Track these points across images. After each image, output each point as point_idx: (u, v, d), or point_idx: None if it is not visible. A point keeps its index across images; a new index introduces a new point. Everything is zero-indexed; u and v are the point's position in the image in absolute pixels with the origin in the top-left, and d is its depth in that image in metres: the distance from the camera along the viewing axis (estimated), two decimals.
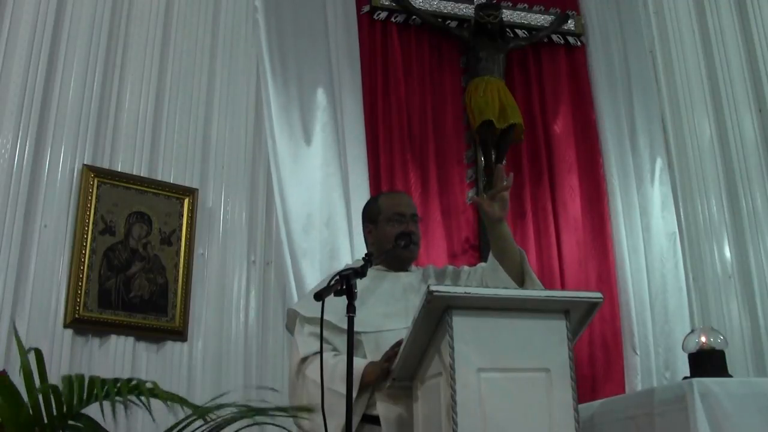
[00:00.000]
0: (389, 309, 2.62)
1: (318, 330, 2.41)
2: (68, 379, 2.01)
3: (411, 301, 2.58)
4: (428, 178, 4.37)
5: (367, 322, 2.53)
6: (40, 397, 2.00)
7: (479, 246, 4.32)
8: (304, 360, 2.57)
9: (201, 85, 4.06)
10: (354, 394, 2.27)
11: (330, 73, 4.28)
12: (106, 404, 1.88)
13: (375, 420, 2.45)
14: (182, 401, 1.93)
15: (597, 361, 4.29)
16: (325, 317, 2.36)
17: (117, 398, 1.90)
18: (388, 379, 2.38)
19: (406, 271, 2.82)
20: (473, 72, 4.53)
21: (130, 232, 3.62)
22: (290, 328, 2.81)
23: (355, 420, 2.39)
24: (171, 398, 1.94)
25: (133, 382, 2.00)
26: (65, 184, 3.51)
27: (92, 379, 2.01)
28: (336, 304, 2.36)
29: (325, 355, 2.41)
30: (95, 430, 2.07)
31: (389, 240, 2.72)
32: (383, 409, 2.44)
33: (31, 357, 2.13)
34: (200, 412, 1.91)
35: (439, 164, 4.43)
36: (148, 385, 1.99)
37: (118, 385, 1.95)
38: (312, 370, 2.50)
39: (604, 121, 4.71)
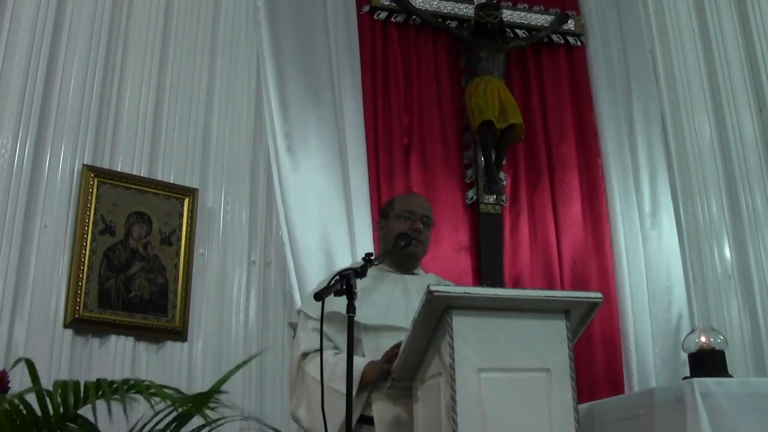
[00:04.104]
0: (389, 310, 2.63)
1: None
2: (63, 384, 2.01)
3: (411, 305, 2.58)
4: (428, 178, 4.36)
5: (368, 315, 2.54)
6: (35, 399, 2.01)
7: (478, 246, 4.32)
8: (305, 356, 2.58)
9: (201, 85, 4.06)
10: (353, 393, 2.27)
11: (330, 73, 4.28)
12: (103, 405, 1.88)
13: (372, 420, 2.46)
14: (179, 398, 1.94)
15: (596, 361, 4.29)
16: (333, 309, 2.41)
17: (114, 396, 1.90)
18: (388, 380, 2.38)
19: (412, 273, 2.82)
20: (473, 72, 4.53)
21: (130, 232, 3.62)
22: (295, 327, 2.83)
23: (353, 419, 2.40)
24: (165, 396, 1.95)
25: (130, 382, 2.00)
26: (65, 184, 3.51)
27: (87, 384, 2.01)
28: (341, 302, 2.37)
29: (325, 353, 2.43)
30: (91, 431, 2.07)
31: (392, 238, 2.74)
32: (379, 409, 2.45)
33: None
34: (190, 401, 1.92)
35: (439, 164, 4.43)
36: (146, 383, 1.99)
37: (115, 386, 1.95)
38: (312, 367, 2.51)
39: (603, 121, 4.70)
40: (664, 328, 4.39)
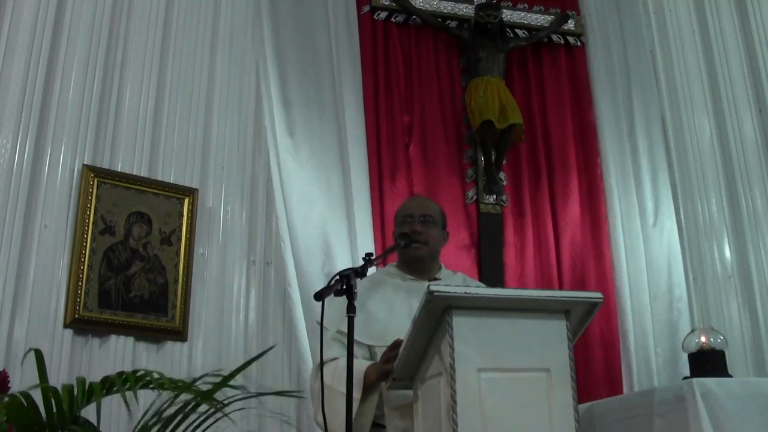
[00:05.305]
0: (395, 321, 2.63)
1: (339, 336, 2.57)
2: (69, 386, 2.01)
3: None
4: (428, 178, 4.36)
5: (376, 335, 2.59)
6: (41, 398, 2.00)
7: (478, 246, 4.32)
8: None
9: (201, 85, 4.06)
10: (357, 396, 2.31)
11: (331, 73, 4.28)
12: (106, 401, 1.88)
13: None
14: (187, 387, 1.94)
15: (596, 361, 4.29)
16: (339, 328, 2.54)
17: (128, 385, 1.91)
18: (388, 380, 2.38)
19: (435, 278, 2.80)
20: (473, 72, 4.53)
21: (130, 232, 3.62)
22: None
23: (366, 424, 2.46)
24: (176, 387, 1.95)
25: (140, 373, 2.01)
26: (65, 184, 3.51)
27: (92, 384, 2.02)
28: (344, 320, 2.38)
29: (340, 360, 2.51)
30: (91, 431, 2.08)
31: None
32: (391, 420, 2.46)
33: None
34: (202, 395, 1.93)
35: (440, 164, 4.43)
36: (154, 375, 2.00)
37: (124, 376, 1.96)
38: (326, 373, 2.54)
39: (603, 121, 4.70)
40: (665, 328, 4.39)
